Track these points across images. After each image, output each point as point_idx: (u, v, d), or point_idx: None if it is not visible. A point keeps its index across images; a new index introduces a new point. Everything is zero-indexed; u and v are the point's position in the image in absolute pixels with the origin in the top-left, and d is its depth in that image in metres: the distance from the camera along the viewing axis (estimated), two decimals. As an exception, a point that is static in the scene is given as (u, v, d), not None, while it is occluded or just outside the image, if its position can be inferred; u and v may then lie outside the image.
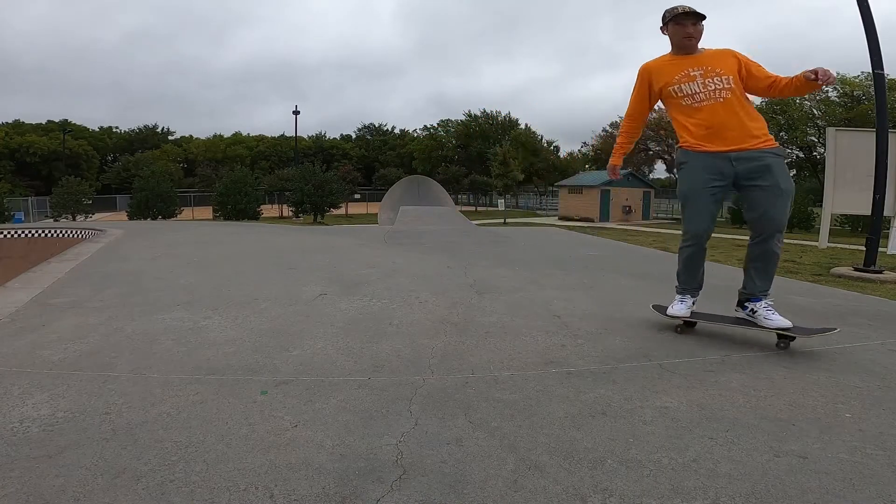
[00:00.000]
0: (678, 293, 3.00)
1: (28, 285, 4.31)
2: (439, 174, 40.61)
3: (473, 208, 41.34)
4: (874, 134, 6.42)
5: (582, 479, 1.50)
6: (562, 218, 30.66)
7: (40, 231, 10.21)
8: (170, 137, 60.16)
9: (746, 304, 2.82)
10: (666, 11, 2.74)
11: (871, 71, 6.53)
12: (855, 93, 27.04)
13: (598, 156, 42.98)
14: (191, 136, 61.53)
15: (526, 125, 50.79)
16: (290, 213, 28.84)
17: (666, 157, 35.60)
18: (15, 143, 45.16)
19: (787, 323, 2.66)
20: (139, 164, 36.87)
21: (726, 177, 2.67)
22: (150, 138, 57.67)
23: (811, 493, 1.43)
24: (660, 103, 2.97)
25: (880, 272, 6.06)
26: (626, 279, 4.82)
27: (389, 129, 66.91)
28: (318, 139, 63.19)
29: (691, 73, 2.70)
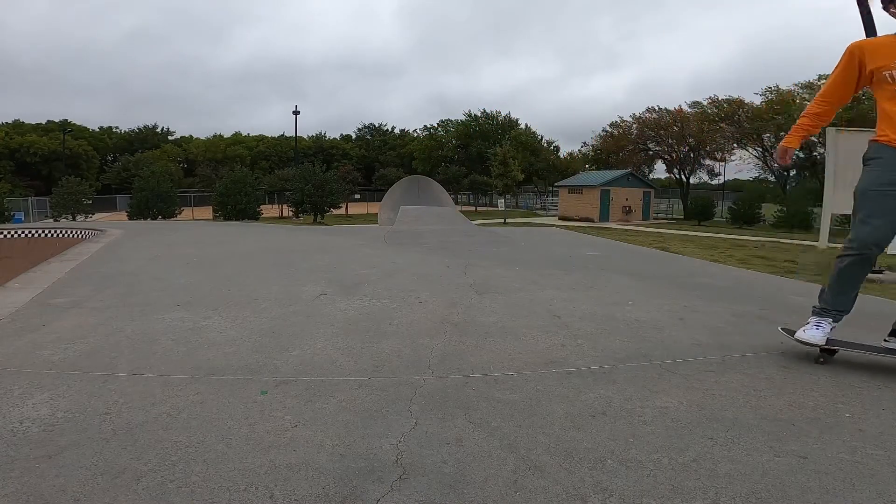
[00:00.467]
0: (815, 314, 2.49)
1: (28, 285, 4.30)
2: (439, 174, 40.64)
3: (473, 208, 41.35)
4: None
5: (582, 479, 1.50)
6: (562, 218, 30.66)
7: (40, 231, 10.21)
8: (170, 137, 60.16)
9: None
10: None
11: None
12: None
13: (598, 156, 42.96)
14: (191, 136, 61.55)
15: (526, 125, 50.85)
16: (291, 214, 28.85)
17: (666, 157, 35.59)
18: (15, 142, 45.16)
19: None
20: (139, 164, 36.86)
21: None
22: (150, 138, 57.67)
23: (811, 493, 1.43)
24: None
25: (881, 272, 6.06)
26: (626, 279, 4.82)
27: (389, 129, 66.93)
28: (318, 139, 63.19)
29: None
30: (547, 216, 33.62)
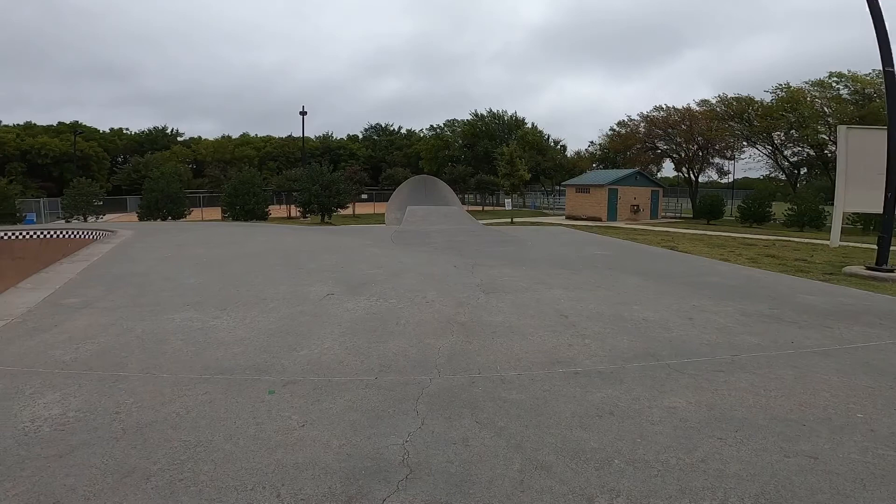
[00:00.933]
0: None
1: (40, 286, 4.35)
2: (446, 174, 40.64)
3: (480, 208, 41.31)
4: (886, 132, 6.34)
5: (588, 479, 1.50)
6: (569, 217, 30.55)
7: (52, 232, 10.33)
8: (179, 139, 60.69)
9: None
10: None
11: (881, 68, 6.45)
12: (866, 90, 26.70)
13: (605, 155, 42.75)
14: (199, 137, 62.06)
15: (532, 124, 50.72)
16: (298, 214, 28.97)
17: (674, 155, 35.36)
18: (27, 144, 45.73)
19: None
20: (149, 165, 37.23)
21: None
22: (159, 139, 58.21)
23: (821, 493, 1.42)
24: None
25: (892, 271, 5.99)
26: (634, 278, 4.79)
27: (396, 130, 67.07)
28: (325, 139, 63.49)
29: None
30: (554, 215, 33.55)
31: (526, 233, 10.71)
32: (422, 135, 61.70)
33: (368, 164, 57.24)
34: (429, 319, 3.25)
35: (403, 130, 67.26)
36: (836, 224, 8.74)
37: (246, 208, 26.05)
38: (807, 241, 11.16)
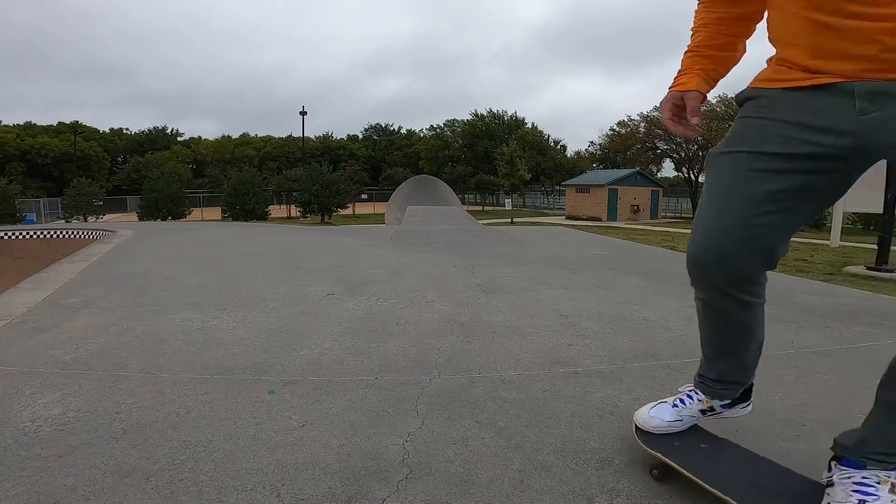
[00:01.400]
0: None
1: (40, 286, 4.36)
2: (446, 174, 40.64)
3: (480, 208, 41.30)
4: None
5: (589, 479, 1.50)
6: (569, 217, 30.57)
7: (52, 232, 10.33)
8: (179, 139, 60.71)
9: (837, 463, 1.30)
10: None
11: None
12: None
13: (605, 155, 42.76)
14: (199, 137, 62.05)
15: (532, 124, 50.73)
16: (298, 214, 28.99)
17: (674, 155, 35.33)
18: (27, 144, 45.75)
19: None
20: (149, 165, 37.24)
21: None
22: (159, 139, 58.25)
23: (822, 494, 1.41)
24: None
25: (893, 271, 5.99)
26: (634, 278, 4.80)
27: (396, 130, 67.04)
28: (325, 139, 63.52)
29: None
30: (554, 215, 33.52)
31: (526, 233, 10.71)
32: (422, 135, 61.76)
33: (368, 164, 57.26)
34: (429, 319, 3.25)
35: (403, 130, 67.30)
36: (836, 224, 8.73)
37: (246, 208, 26.07)
38: (807, 240, 11.17)
